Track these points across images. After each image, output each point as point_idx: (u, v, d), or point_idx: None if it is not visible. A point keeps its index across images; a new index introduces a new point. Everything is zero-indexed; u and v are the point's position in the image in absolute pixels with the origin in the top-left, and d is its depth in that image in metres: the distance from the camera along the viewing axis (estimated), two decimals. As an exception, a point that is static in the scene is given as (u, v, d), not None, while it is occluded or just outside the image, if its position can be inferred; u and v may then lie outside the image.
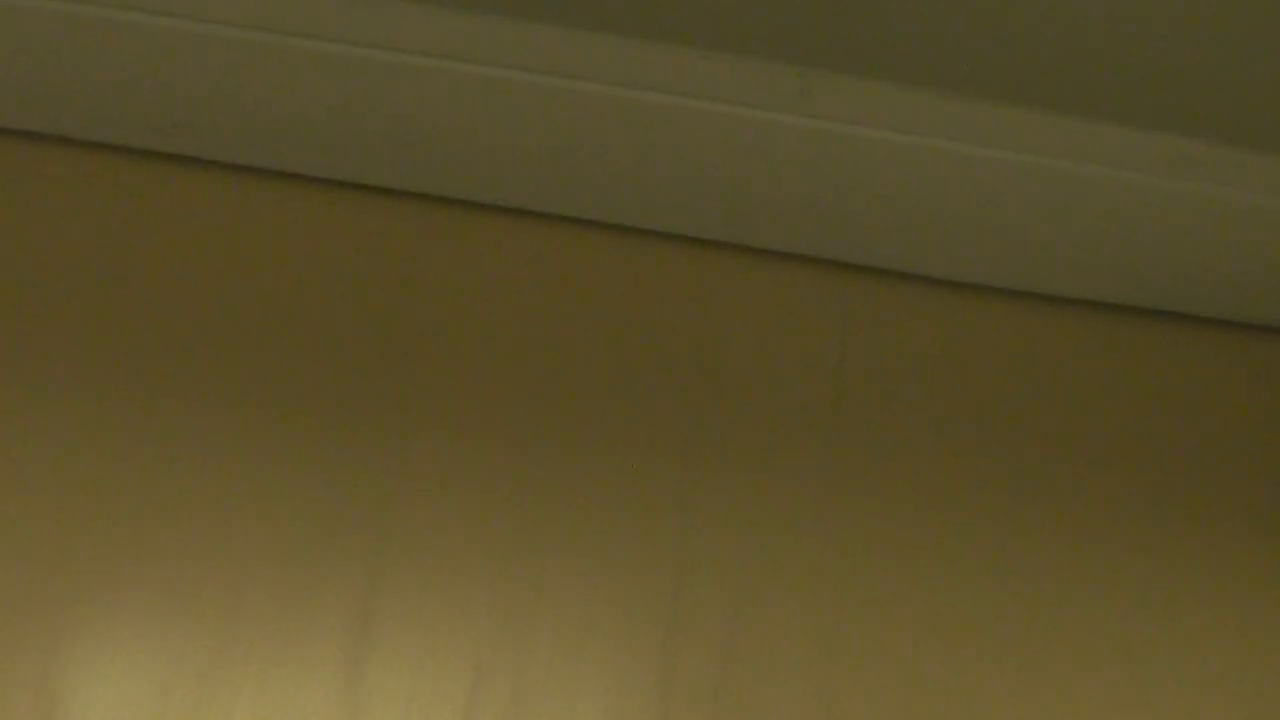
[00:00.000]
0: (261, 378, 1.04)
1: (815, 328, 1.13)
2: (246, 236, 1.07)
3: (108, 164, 1.07)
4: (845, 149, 1.06)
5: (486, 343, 1.08)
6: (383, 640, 0.98)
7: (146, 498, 0.99)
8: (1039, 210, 1.10)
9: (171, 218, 1.07)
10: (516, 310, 1.09)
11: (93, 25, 1.00)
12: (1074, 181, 1.08)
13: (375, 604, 0.99)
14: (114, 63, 1.02)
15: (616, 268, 1.12)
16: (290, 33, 1.01)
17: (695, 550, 1.04)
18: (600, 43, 1.03)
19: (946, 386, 1.13)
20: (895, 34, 1.01)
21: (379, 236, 1.10)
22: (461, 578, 1.00)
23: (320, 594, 0.98)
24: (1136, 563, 1.10)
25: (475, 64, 1.02)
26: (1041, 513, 1.11)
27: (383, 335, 1.07)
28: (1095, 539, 1.11)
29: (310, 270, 1.08)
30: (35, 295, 1.03)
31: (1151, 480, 1.14)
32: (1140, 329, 1.18)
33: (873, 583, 1.06)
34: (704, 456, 1.07)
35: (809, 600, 1.04)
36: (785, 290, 1.14)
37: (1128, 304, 1.18)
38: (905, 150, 1.06)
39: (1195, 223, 1.10)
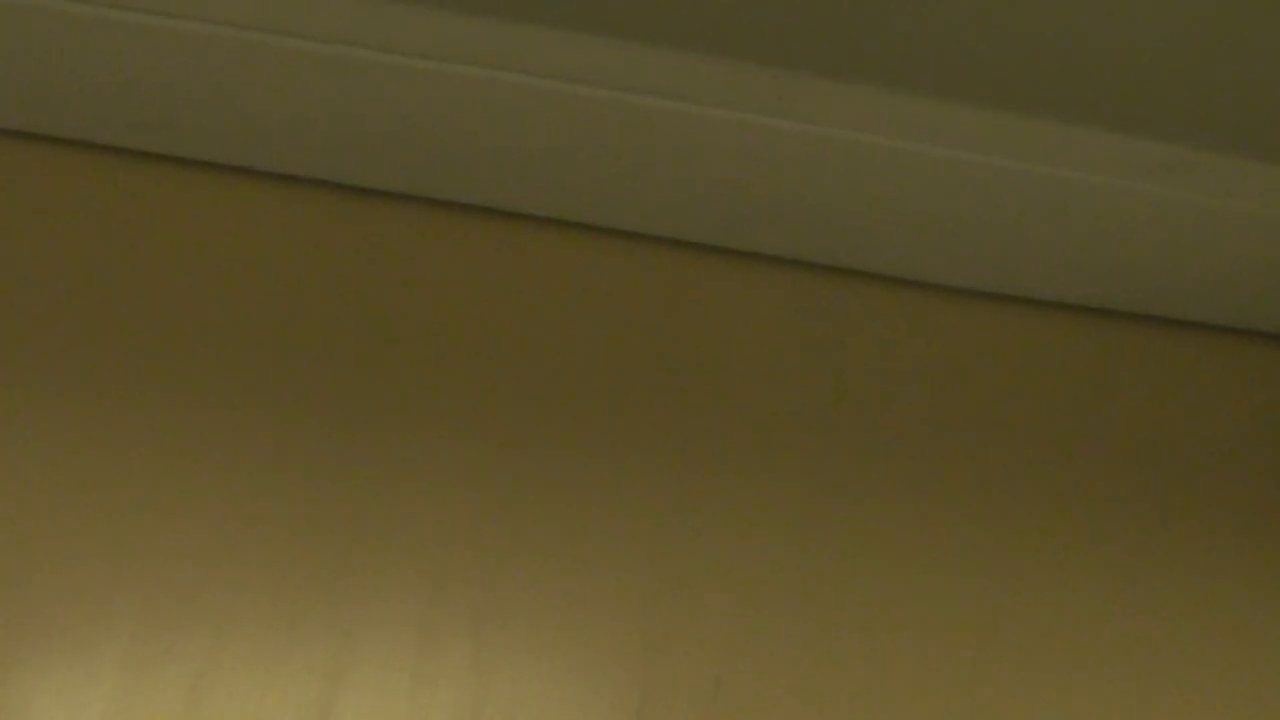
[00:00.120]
0: (250, 378, 1.04)
1: (804, 332, 1.13)
2: (239, 237, 1.07)
3: (99, 164, 1.07)
4: (827, 152, 1.07)
5: (475, 344, 1.08)
6: (364, 643, 0.98)
7: (138, 498, 0.99)
8: (1021, 214, 1.10)
9: (165, 218, 1.07)
10: (504, 312, 1.09)
11: (85, 24, 1.00)
12: (1057, 186, 1.08)
13: (355, 603, 0.99)
14: (107, 62, 1.02)
15: (603, 270, 1.12)
16: (284, 33, 1.01)
17: (690, 553, 1.04)
18: (586, 44, 1.03)
19: (935, 390, 1.14)
20: (878, 38, 1.02)
21: (363, 237, 1.10)
22: (450, 578, 1.00)
23: (305, 592, 0.98)
24: (1133, 565, 1.11)
25: (461, 64, 1.02)
26: (1036, 515, 1.11)
27: (370, 336, 1.07)
28: (1091, 541, 1.11)
29: (302, 271, 1.08)
30: (24, 294, 1.03)
31: (1141, 481, 1.14)
32: (1125, 333, 1.19)
33: (868, 585, 1.06)
34: (696, 460, 1.08)
35: (804, 602, 1.04)
36: (774, 294, 1.14)
37: (1112, 308, 1.18)
38: (888, 154, 1.07)
39: (1177, 228, 1.11)
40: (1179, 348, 1.19)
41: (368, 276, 1.09)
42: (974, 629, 1.06)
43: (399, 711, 0.97)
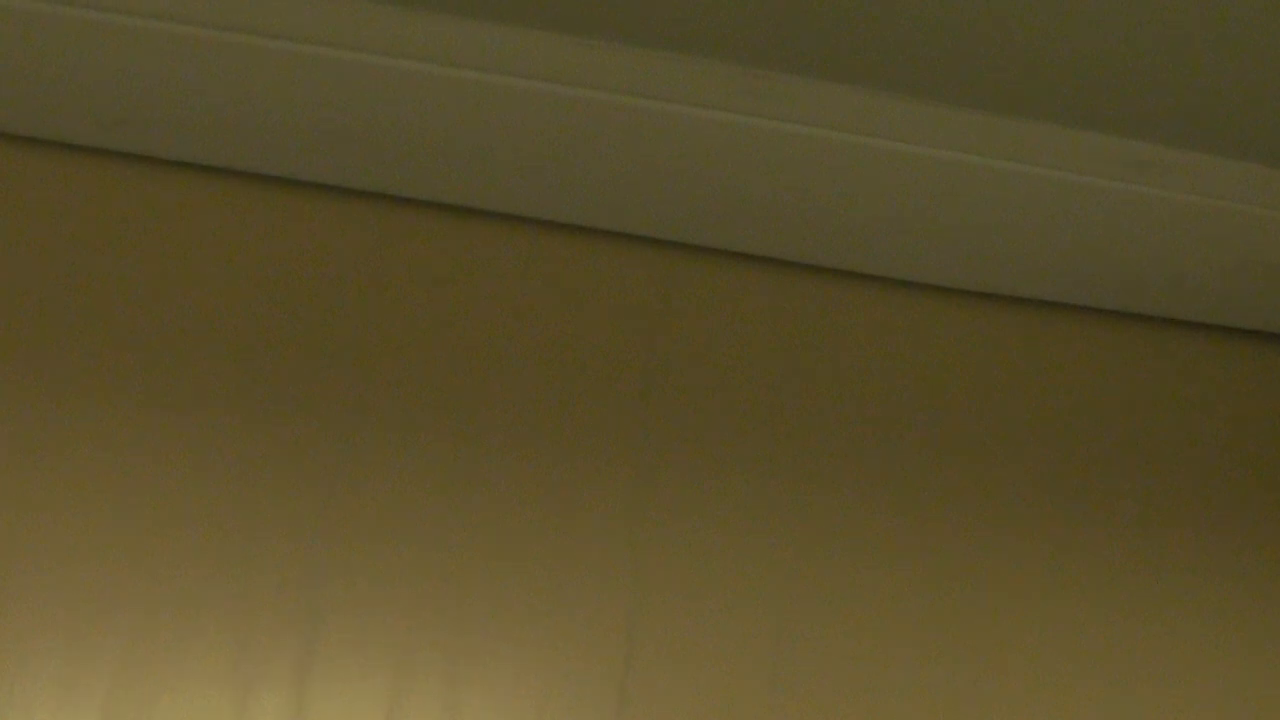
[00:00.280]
0: (247, 379, 1.04)
1: (794, 333, 1.13)
2: (235, 240, 1.07)
3: (95, 167, 1.06)
4: (808, 152, 1.06)
5: (464, 345, 1.08)
6: (333, 641, 0.99)
7: (138, 501, 0.99)
8: (993, 211, 1.10)
9: (163, 222, 1.07)
10: (494, 313, 1.09)
11: (85, 25, 1.00)
12: (1027, 183, 1.08)
13: (326, 602, 0.99)
14: (103, 65, 1.02)
15: (591, 271, 1.12)
16: (280, 37, 1.01)
17: (674, 553, 1.04)
18: (575, 47, 1.03)
19: (925, 390, 1.13)
20: (844, 35, 1.01)
21: (354, 239, 1.09)
22: (418, 581, 1.01)
23: (274, 592, 0.99)
24: (1131, 564, 1.11)
25: (447, 67, 1.02)
26: (1033, 515, 1.11)
27: (358, 337, 1.06)
28: (1088, 541, 1.11)
29: (281, 272, 1.07)
30: (21, 295, 1.03)
31: (1140, 481, 1.14)
32: (1114, 332, 1.18)
33: (862, 585, 1.06)
34: (686, 461, 1.07)
35: (765, 598, 1.04)
36: (763, 295, 1.13)
37: (1096, 306, 1.18)
38: (869, 154, 1.06)
39: (1147, 225, 1.11)
40: (1143, 343, 1.18)
41: (354, 277, 1.08)
42: (972, 629, 1.06)
43: (378, 706, 0.98)
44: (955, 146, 1.06)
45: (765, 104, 1.04)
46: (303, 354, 1.05)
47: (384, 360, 1.06)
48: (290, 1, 1.01)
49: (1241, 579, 1.12)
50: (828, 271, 1.14)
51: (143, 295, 1.04)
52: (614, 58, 1.03)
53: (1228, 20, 0.99)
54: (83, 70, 1.01)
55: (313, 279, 1.07)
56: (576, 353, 1.09)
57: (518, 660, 1.00)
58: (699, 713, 1.01)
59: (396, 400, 1.05)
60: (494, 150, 1.06)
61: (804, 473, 1.09)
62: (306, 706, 0.96)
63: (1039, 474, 1.12)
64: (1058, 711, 1.05)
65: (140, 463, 1.00)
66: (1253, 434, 1.17)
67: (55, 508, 0.98)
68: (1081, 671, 1.07)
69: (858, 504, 1.08)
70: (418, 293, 1.08)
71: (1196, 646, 1.09)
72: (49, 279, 1.03)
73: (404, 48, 1.01)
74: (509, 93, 1.03)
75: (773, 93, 1.04)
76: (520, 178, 1.08)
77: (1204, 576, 1.11)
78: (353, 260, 1.08)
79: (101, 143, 1.06)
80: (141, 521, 0.99)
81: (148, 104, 1.04)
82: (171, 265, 1.05)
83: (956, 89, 1.05)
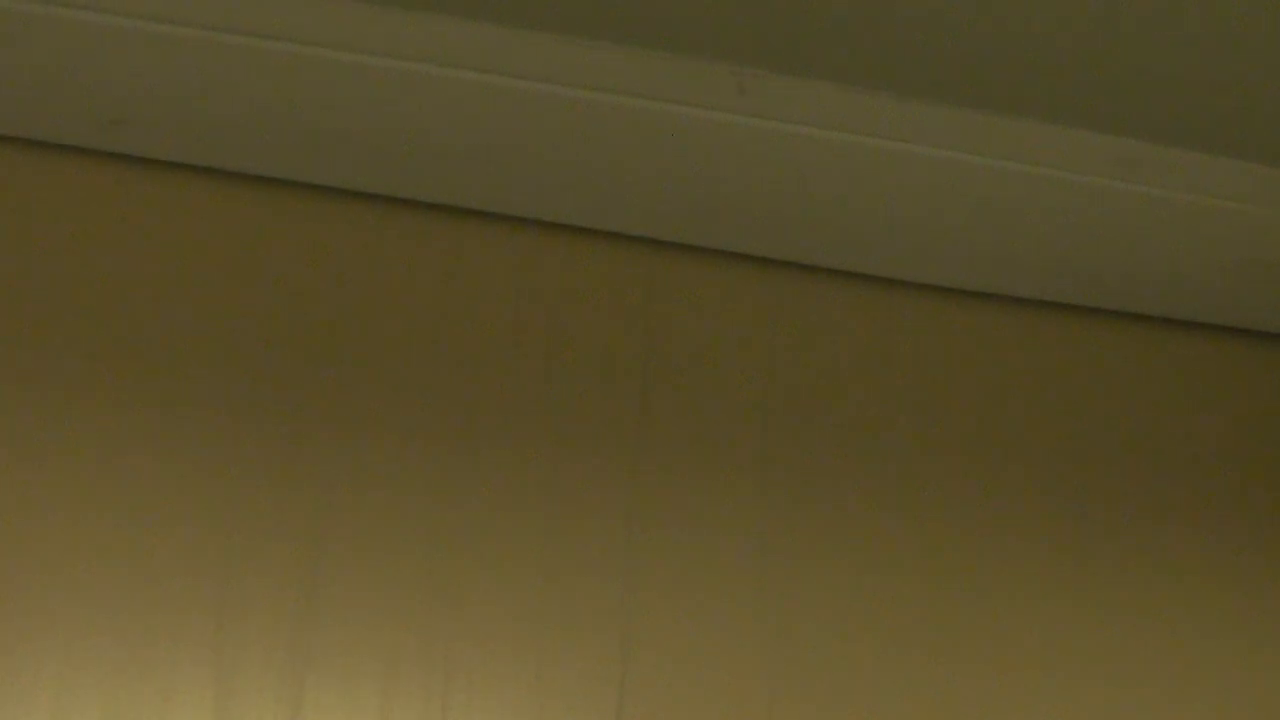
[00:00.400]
0: (243, 381, 1.04)
1: (785, 332, 1.13)
2: (230, 241, 1.07)
3: (92, 168, 1.06)
4: (783, 148, 1.06)
5: (434, 344, 1.07)
6: (329, 641, 0.99)
7: (137, 501, 0.99)
8: (990, 211, 1.10)
9: (160, 223, 1.06)
10: (484, 313, 1.09)
11: (84, 27, 0.99)
12: (1014, 181, 1.08)
13: (322, 602, 0.99)
14: (101, 66, 1.02)
15: (579, 270, 1.11)
16: (277, 38, 1.01)
17: (666, 555, 1.05)
18: (562, 46, 1.03)
19: (919, 390, 1.13)
20: (834, 33, 1.01)
21: (345, 239, 1.09)
22: (413, 581, 1.01)
23: (271, 592, 0.99)
24: (1129, 564, 1.11)
25: (435, 66, 1.02)
26: (1029, 516, 1.11)
27: (348, 338, 1.06)
28: (1087, 541, 1.11)
29: (281, 272, 1.07)
30: (20, 297, 1.03)
31: (1139, 481, 1.14)
32: (1105, 330, 1.18)
33: (857, 586, 1.06)
34: (676, 462, 1.07)
35: (762, 599, 1.04)
36: (751, 294, 1.13)
37: (1081, 304, 1.18)
38: (856, 151, 1.06)
39: (1146, 224, 1.10)
40: (1155, 344, 1.18)
41: (351, 277, 1.08)
42: (971, 630, 1.06)
43: (372, 706, 0.98)
44: (951, 146, 1.06)
45: (760, 103, 1.04)
46: (301, 354, 1.05)
47: (379, 360, 1.06)
48: (289, 2, 1.01)
49: (1241, 579, 1.12)
50: (823, 271, 1.14)
51: (142, 295, 1.04)
52: (610, 58, 1.03)
53: (1227, 19, 0.99)
54: (82, 71, 1.02)
55: (311, 279, 1.07)
56: (572, 353, 1.09)
57: (514, 661, 1.00)
58: (697, 714, 1.01)
59: (391, 401, 1.05)
60: (491, 151, 1.06)
61: (801, 473, 1.09)
62: (302, 707, 0.96)
63: (1038, 474, 1.13)
64: (1058, 712, 1.06)
65: (139, 463, 1.00)
66: (1252, 434, 1.17)
67: (55, 508, 0.98)
68: (1082, 672, 1.07)
69: (855, 504, 1.09)
70: (414, 293, 1.08)
71: (1197, 646, 1.09)
72: (48, 279, 1.03)
73: (401, 49, 1.02)
74: (505, 93, 1.03)
75: (767, 92, 1.04)
76: (517, 178, 1.08)
77: (1204, 577, 1.12)
78: (349, 260, 1.08)
79: (100, 143, 1.06)
80: (140, 521, 0.99)
81: (147, 104, 1.04)
82: (171, 265, 1.05)
83: (952, 88, 1.05)
